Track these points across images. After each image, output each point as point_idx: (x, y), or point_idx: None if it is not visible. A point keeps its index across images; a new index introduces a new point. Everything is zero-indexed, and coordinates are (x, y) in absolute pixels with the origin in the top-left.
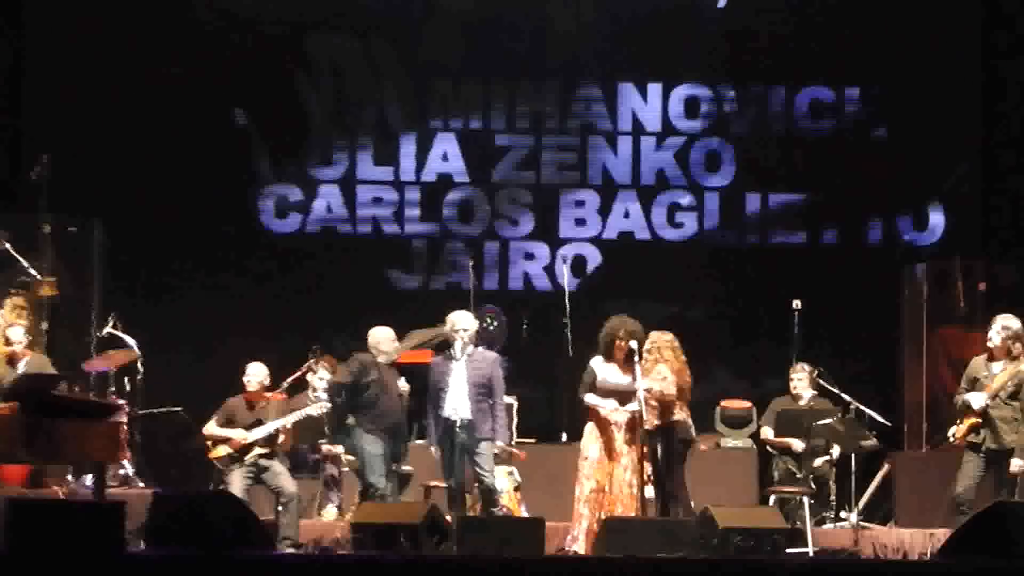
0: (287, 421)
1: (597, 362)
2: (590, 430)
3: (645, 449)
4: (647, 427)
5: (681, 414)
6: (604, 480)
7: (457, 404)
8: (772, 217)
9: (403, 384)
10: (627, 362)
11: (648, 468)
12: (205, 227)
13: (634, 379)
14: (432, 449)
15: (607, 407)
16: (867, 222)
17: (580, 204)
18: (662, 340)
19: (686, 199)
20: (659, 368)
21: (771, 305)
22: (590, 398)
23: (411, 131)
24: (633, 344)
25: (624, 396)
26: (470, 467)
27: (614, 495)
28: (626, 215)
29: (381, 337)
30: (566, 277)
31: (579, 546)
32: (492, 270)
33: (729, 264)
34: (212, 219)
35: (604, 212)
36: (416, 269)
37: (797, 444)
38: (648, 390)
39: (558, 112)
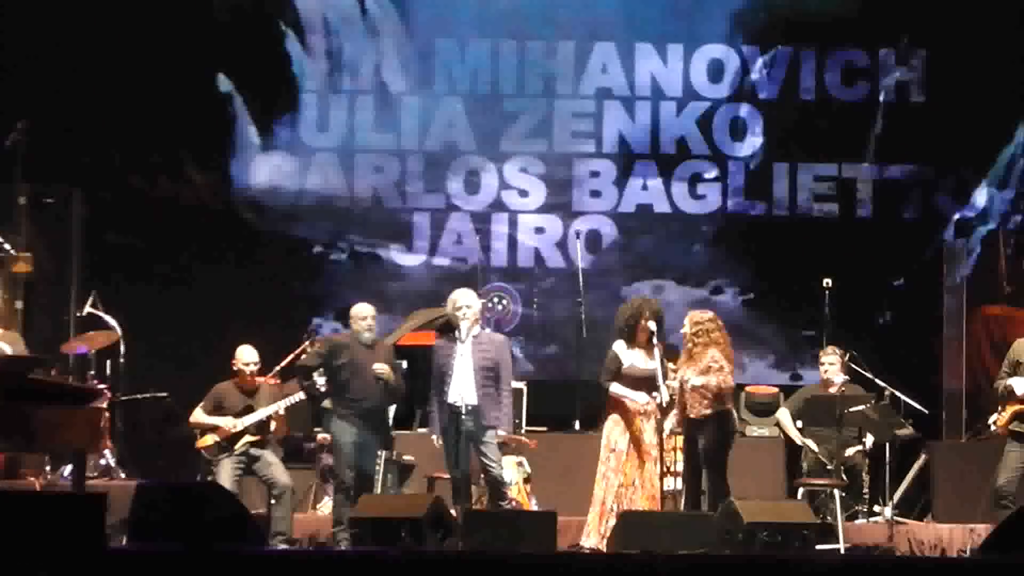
0: (279, 407)
1: (620, 347)
2: (616, 421)
3: (671, 439)
4: (692, 415)
5: (728, 403)
6: (633, 474)
7: (462, 390)
8: (802, 189)
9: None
10: (649, 344)
11: (666, 460)
12: (191, 200)
13: (660, 364)
14: (435, 438)
15: (638, 400)
16: (904, 194)
17: (595, 175)
18: (707, 321)
19: (710, 170)
20: (711, 353)
21: (801, 283)
22: (616, 388)
23: (413, 96)
24: (652, 326)
25: (652, 383)
26: (476, 457)
27: (644, 490)
28: (644, 187)
29: (353, 314)
30: (580, 253)
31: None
32: (500, 246)
33: (755, 240)
34: (198, 191)
35: (621, 183)
36: (418, 245)
37: (811, 444)
38: (704, 385)
39: (572, 75)
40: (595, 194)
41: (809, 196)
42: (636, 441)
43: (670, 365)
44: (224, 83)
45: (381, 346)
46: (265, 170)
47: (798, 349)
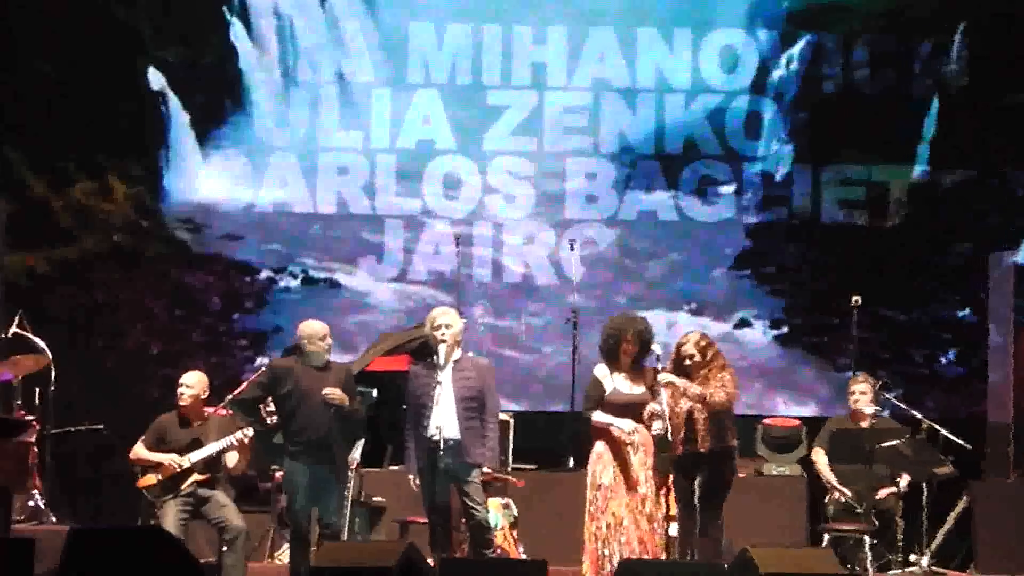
0: (230, 441)
1: (602, 372)
2: (600, 452)
3: (670, 479)
4: (701, 449)
5: (735, 438)
6: (621, 513)
7: (442, 422)
8: (828, 195)
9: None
10: (635, 367)
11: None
12: (111, 215)
13: (649, 390)
14: (411, 477)
15: (623, 428)
16: (942, 198)
17: (591, 177)
18: (711, 341)
19: (723, 173)
20: (722, 377)
21: (825, 301)
22: (599, 416)
23: (382, 88)
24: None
25: (638, 410)
26: (457, 498)
27: (639, 530)
28: (648, 189)
29: (305, 333)
30: (575, 266)
31: None
32: (484, 257)
33: (773, 250)
34: (121, 205)
35: (621, 186)
36: (390, 255)
37: (847, 492)
38: (705, 397)
39: (564, 64)
40: (591, 199)
41: (834, 202)
42: (624, 475)
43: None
44: (155, 78)
45: (336, 370)
46: (204, 181)
47: (823, 376)
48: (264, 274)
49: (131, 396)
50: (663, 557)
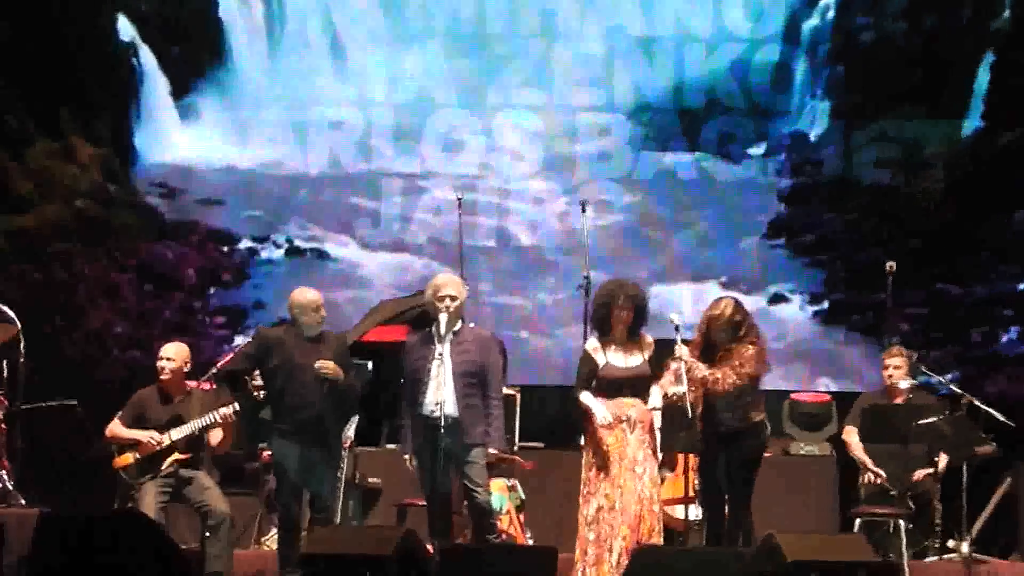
0: (214, 418)
1: (592, 345)
2: (591, 432)
3: (692, 460)
4: (722, 429)
5: (761, 413)
6: (615, 495)
7: (441, 398)
8: (859, 150)
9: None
10: (631, 337)
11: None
12: (75, 179)
13: (648, 361)
14: (407, 458)
15: (598, 416)
16: (997, 158)
17: (604, 132)
18: (748, 314)
19: (747, 129)
20: (744, 352)
21: (870, 273)
22: (585, 398)
23: (379, 37)
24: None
25: (637, 385)
26: (458, 481)
27: (625, 516)
28: (664, 147)
29: (297, 302)
30: (586, 229)
31: None
32: (488, 219)
33: (810, 217)
34: (86, 167)
35: (637, 146)
36: (386, 222)
37: (882, 472)
38: (711, 381)
39: (576, 11)
40: (604, 156)
41: (876, 164)
42: (618, 455)
43: (684, 355)
44: (125, 28)
45: (330, 340)
46: (179, 140)
47: (854, 348)
48: (245, 244)
49: (92, 383)
50: (659, 542)
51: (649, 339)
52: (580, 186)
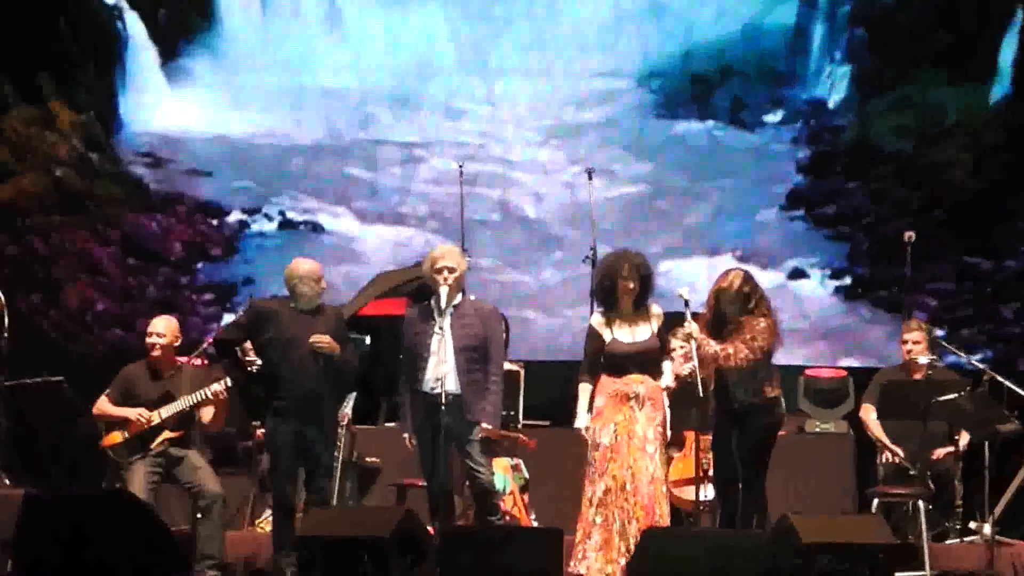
0: (205, 394)
1: (597, 320)
2: (600, 408)
3: (702, 439)
4: (735, 406)
5: (775, 389)
6: (623, 477)
7: (441, 374)
8: (881, 117)
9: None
10: (637, 310)
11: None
12: (55, 148)
13: (657, 335)
14: (406, 436)
15: (578, 422)
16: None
17: (612, 99)
18: (757, 285)
19: (761, 95)
20: (755, 325)
21: (895, 246)
22: (582, 389)
23: (377, 0)
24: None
25: (646, 360)
26: (460, 460)
27: (638, 498)
28: (675, 114)
29: (297, 273)
30: (593, 199)
31: (590, 568)
32: (491, 190)
33: (830, 187)
34: (67, 135)
35: (646, 111)
36: (385, 189)
37: (900, 452)
38: (723, 357)
39: None
40: (611, 125)
41: (900, 132)
42: (627, 434)
43: (693, 332)
44: None
45: (327, 313)
46: (166, 107)
47: (873, 320)
48: (235, 216)
49: (71, 364)
50: (667, 523)
51: (657, 309)
52: (587, 156)
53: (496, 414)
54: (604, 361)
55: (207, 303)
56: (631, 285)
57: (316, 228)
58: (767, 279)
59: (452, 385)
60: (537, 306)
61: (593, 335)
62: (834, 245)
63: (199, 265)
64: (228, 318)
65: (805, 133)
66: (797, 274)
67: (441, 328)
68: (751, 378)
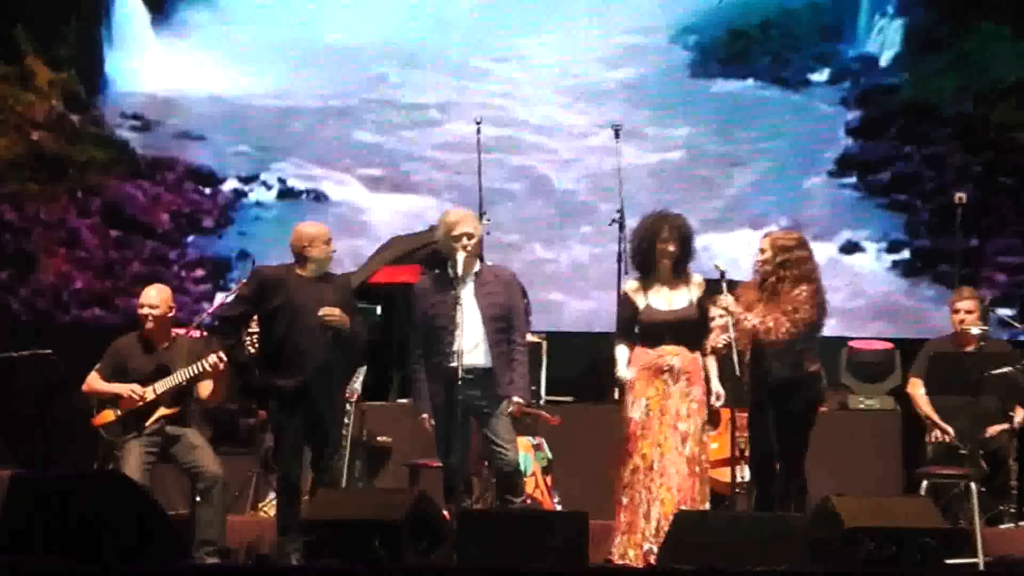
0: (202, 366)
1: (632, 286)
2: (632, 381)
3: (738, 417)
4: (770, 381)
5: (815, 363)
6: (653, 454)
7: (469, 346)
8: (938, 75)
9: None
10: (677, 274)
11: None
12: (32, 108)
13: (698, 304)
14: (426, 416)
15: (619, 370)
16: None
17: (644, 57)
18: (796, 245)
19: (809, 58)
20: (796, 295)
21: (943, 210)
22: (618, 351)
23: None
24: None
25: (682, 330)
26: (480, 437)
27: (665, 479)
28: (713, 73)
29: (304, 236)
30: (621, 158)
31: (623, 551)
32: (512, 157)
33: (884, 152)
34: (45, 93)
35: (681, 70)
36: (396, 155)
37: (950, 430)
38: (762, 331)
39: None
40: (643, 86)
41: (962, 91)
42: (659, 409)
43: (729, 305)
44: None
45: (336, 281)
46: (157, 64)
47: (921, 289)
48: (230, 185)
49: (44, 346)
50: (706, 507)
51: (698, 278)
52: (616, 119)
53: (527, 387)
54: (638, 330)
55: (197, 280)
56: (670, 248)
57: (319, 197)
58: (817, 252)
59: (481, 358)
60: (565, 287)
61: (625, 302)
62: (889, 215)
63: (189, 238)
64: (220, 298)
65: (854, 93)
66: (850, 248)
67: (465, 298)
68: (789, 351)
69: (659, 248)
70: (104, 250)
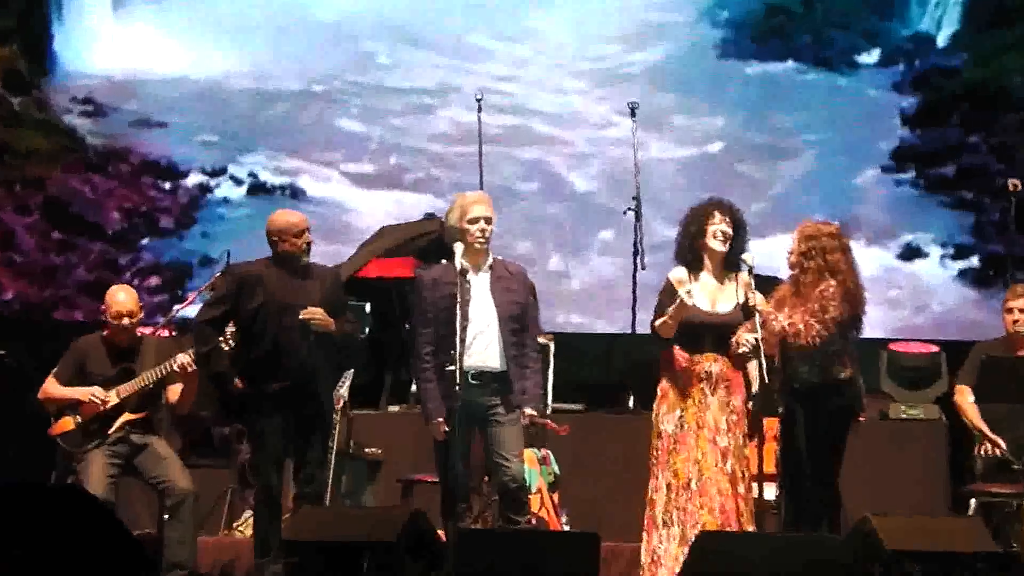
0: (169, 367)
1: (679, 275)
2: (663, 389)
3: (767, 428)
4: (797, 386)
5: (849, 367)
6: (688, 471)
7: (480, 347)
8: (1004, 55)
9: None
10: (728, 268)
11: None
12: (5, 75)
13: (740, 303)
14: (437, 422)
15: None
16: None
17: (671, 36)
18: (825, 235)
19: (855, 31)
20: (823, 291)
21: (996, 195)
22: (661, 320)
23: None
24: (748, 258)
25: (724, 336)
26: (485, 449)
27: (705, 499)
28: (748, 54)
29: (278, 226)
30: (636, 139)
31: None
32: (519, 147)
33: (936, 137)
34: (8, 65)
35: (712, 50)
36: (385, 146)
37: (1000, 443)
38: (790, 333)
39: None
40: (670, 68)
41: (1021, 72)
42: (695, 420)
43: (758, 303)
44: None
45: (321, 276)
46: (114, 42)
47: (968, 283)
48: (193, 179)
49: (45, 313)
50: (751, 530)
51: (747, 276)
52: (639, 107)
53: (540, 397)
54: (678, 328)
55: (152, 289)
56: (724, 229)
57: (297, 194)
58: (873, 259)
59: (495, 361)
60: (585, 306)
61: (669, 288)
62: (955, 215)
63: (144, 240)
64: (180, 312)
65: (909, 76)
66: (910, 253)
67: (473, 294)
68: (820, 354)
69: (709, 233)
70: (44, 253)
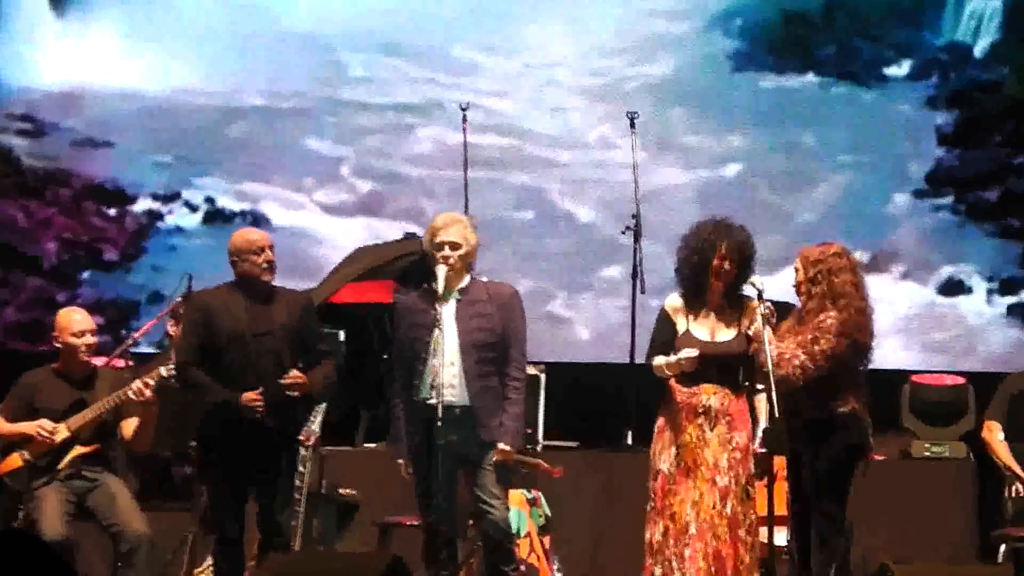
0: (123, 396)
1: (674, 303)
2: (660, 427)
3: (777, 467)
4: (797, 423)
5: (852, 402)
6: (686, 514)
7: (444, 379)
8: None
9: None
10: (730, 300)
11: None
12: None
13: (744, 334)
14: (402, 462)
15: (682, 357)
16: None
17: (680, 47)
18: (831, 256)
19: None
20: (821, 322)
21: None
22: (660, 360)
23: None
24: (757, 282)
25: (724, 366)
26: (465, 492)
27: (715, 541)
28: (765, 66)
29: (240, 245)
30: (635, 150)
31: None
32: (512, 175)
33: (977, 158)
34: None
35: (725, 62)
36: (359, 168)
37: None
38: (781, 357)
39: None
40: (679, 82)
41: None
42: (692, 459)
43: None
44: None
45: (288, 301)
46: (58, 54)
47: (994, 303)
48: (142, 204)
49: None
50: None
51: (754, 303)
52: (641, 126)
53: (517, 433)
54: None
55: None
56: (726, 267)
57: (259, 221)
58: (910, 294)
59: (459, 394)
60: (587, 354)
61: (664, 321)
62: (1000, 244)
63: (84, 274)
64: (146, 321)
65: (944, 91)
66: (951, 288)
67: (447, 320)
68: (820, 386)
69: (714, 266)
70: None
